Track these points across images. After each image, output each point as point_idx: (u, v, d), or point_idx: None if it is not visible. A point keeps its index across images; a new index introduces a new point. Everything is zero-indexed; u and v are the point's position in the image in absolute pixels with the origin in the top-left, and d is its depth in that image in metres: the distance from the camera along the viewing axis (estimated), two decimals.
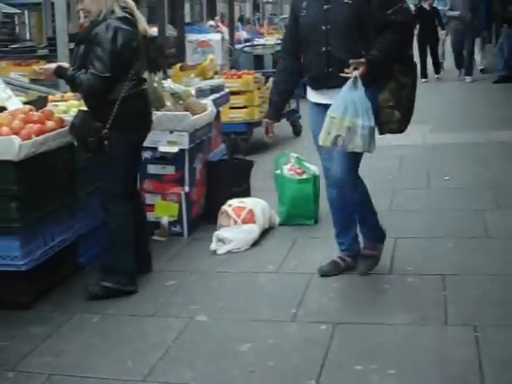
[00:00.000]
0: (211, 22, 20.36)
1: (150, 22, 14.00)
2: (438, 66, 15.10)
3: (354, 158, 4.17)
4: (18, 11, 18.72)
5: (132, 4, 4.29)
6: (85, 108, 4.31)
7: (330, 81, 4.03)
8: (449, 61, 15.78)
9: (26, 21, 20.12)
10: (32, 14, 20.03)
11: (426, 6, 14.85)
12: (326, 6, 4.04)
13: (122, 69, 4.14)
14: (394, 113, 4.11)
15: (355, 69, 3.90)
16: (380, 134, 4.23)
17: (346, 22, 3.99)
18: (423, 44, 14.57)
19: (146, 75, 5.09)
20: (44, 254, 4.22)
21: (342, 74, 3.90)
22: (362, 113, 3.88)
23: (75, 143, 4.25)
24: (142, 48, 4.30)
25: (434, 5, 15.67)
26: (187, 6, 27.11)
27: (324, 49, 4.05)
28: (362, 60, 3.90)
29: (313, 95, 4.31)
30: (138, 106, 4.30)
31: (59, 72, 4.28)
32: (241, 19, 24.58)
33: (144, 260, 4.57)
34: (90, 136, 4.11)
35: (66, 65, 4.41)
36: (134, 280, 4.33)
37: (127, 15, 4.20)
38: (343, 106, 3.88)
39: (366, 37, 3.98)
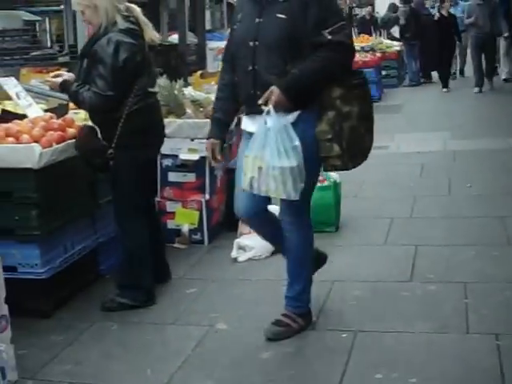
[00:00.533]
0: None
1: (171, 29, 14.11)
2: (446, 79, 14.22)
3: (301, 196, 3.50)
4: (39, 18, 18.86)
5: (137, 11, 4.13)
6: (91, 123, 4.23)
7: (258, 105, 3.41)
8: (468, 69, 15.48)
9: (47, 28, 20.26)
10: (53, 21, 20.19)
11: (443, 12, 14.32)
12: (257, 20, 3.50)
13: (126, 85, 3.99)
14: (332, 147, 3.44)
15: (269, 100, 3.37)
16: (324, 170, 3.70)
17: (276, 38, 3.41)
18: (441, 52, 14.05)
19: (159, 85, 5.11)
20: (64, 262, 4.24)
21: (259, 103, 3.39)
22: (276, 151, 3.31)
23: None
24: (148, 60, 4.17)
25: (452, 11, 15.11)
26: (208, 13, 27.20)
27: (251, 67, 3.49)
28: (273, 89, 3.36)
29: (244, 121, 3.72)
30: (145, 121, 4.11)
31: (64, 86, 4.13)
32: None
33: (162, 270, 4.55)
34: (95, 156, 4.03)
35: (71, 75, 4.24)
36: (151, 296, 4.29)
37: (131, 26, 4.04)
38: (256, 143, 3.38)
39: (300, 58, 3.39)
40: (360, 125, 3.47)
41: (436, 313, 3.90)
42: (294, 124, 3.40)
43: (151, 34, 4.17)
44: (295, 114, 3.44)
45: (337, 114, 3.42)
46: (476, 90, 13.40)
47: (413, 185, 6.76)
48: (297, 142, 3.34)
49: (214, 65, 9.85)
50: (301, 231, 3.74)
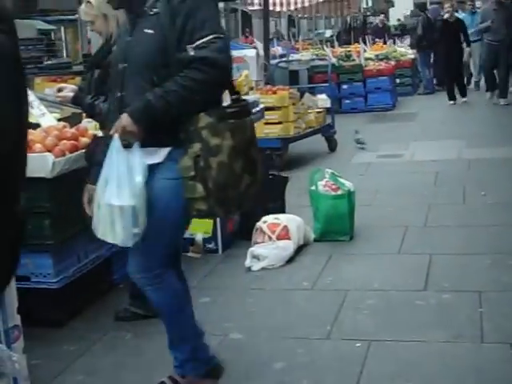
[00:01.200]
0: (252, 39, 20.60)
1: None
2: (464, 88, 13.43)
3: (150, 248, 3.05)
4: (54, 28, 19.03)
5: None
6: (100, 134, 4.10)
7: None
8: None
9: (63, 37, 20.43)
10: (68, 30, 20.37)
11: (447, 16, 13.25)
12: (128, 38, 3.06)
13: None
14: (195, 186, 2.87)
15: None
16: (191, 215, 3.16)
17: (143, 58, 2.95)
18: (448, 62, 13.12)
19: None
20: (78, 272, 4.24)
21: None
22: (115, 186, 2.89)
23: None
24: None
25: (462, 16, 14.59)
26: (222, 22, 27.32)
27: (119, 94, 3.05)
28: (123, 115, 2.91)
29: None
30: None
31: (76, 100, 4.05)
32: (277, 35, 24.74)
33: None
34: None
35: (73, 87, 4.12)
36: None
37: None
38: (101, 178, 2.98)
39: None
40: (233, 162, 2.87)
41: (450, 322, 3.86)
42: (163, 163, 2.96)
43: None
44: (165, 151, 2.95)
45: (203, 148, 2.85)
46: (503, 102, 12.37)
47: (427, 193, 6.72)
48: (138, 179, 2.88)
49: None
50: (160, 292, 3.12)
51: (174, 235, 3.13)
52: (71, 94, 4.08)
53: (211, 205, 2.89)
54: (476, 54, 14.09)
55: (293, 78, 12.08)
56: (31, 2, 16.23)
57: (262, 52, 11.33)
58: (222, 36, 2.85)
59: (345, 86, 13.14)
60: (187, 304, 3.23)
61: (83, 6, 4.02)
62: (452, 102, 13.10)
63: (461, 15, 15.26)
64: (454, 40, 13.02)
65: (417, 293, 4.31)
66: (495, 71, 12.78)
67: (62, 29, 20.30)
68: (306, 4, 19.53)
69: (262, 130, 8.04)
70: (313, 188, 5.56)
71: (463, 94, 13.27)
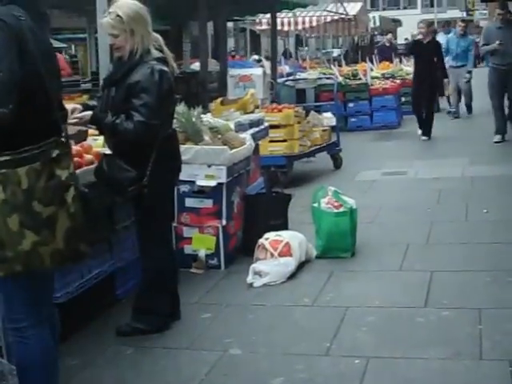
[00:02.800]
0: (255, 57, 20.67)
1: (195, 56, 14.28)
2: (427, 125, 11.31)
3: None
4: (65, 45, 19.22)
5: (161, 41, 4.14)
6: (108, 151, 4.18)
7: None
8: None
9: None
10: (79, 48, 20.59)
11: (420, 37, 11.41)
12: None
13: (167, 113, 4.09)
14: None
15: None
16: None
17: None
18: (417, 89, 11.37)
19: (178, 112, 5.16)
20: (80, 287, 4.28)
21: None
22: None
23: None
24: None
25: (447, 38, 13.61)
26: (232, 41, 27.54)
27: None
28: None
29: None
30: (174, 147, 4.25)
31: (95, 120, 4.00)
32: (285, 53, 24.86)
33: (173, 305, 4.43)
34: (127, 185, 3.95)
35: (78, 106, 4.06)
36: (167, 323, 4.29)
37: (162, 55, 4.05)
38: None
39: None
40: (6, 217, 2.58)
41: (450, 339, 3.88)
42: None
43: (173, 64, 4.17)
44: None
45: None
46: (497, 138, 10.41)
47: (430, 211, 6.76)
48: None
49: (235, 92, 9.97)
50: (20, 345, 2.88)
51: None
52: (88, 113, 3.99)
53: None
54: (455, 80, 13.03)
55: (300, 96, 12.19)
56: (44, 20, 16.42)
57: (268, 71, 11.42)
58: None
59: (351, 105, 13.22)
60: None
61: (109, 18, 3.96)
62: (425, 137, 11.30)
63: (442, 38, 14.15)
64: (427, 65, 11.16)
65: (417, 310, 4.33)
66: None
67: (73, 47, 20.53)
68: (314, 24, 19.72)
69: (268, 148, 8.14)
70: (315, 205, 5.60)
71: (425, 133, 11.32)
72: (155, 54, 4.00)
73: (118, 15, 3.92)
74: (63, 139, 2.69)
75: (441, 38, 14.04)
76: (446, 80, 11.92)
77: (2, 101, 2.51)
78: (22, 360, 2.91)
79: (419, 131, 11.46)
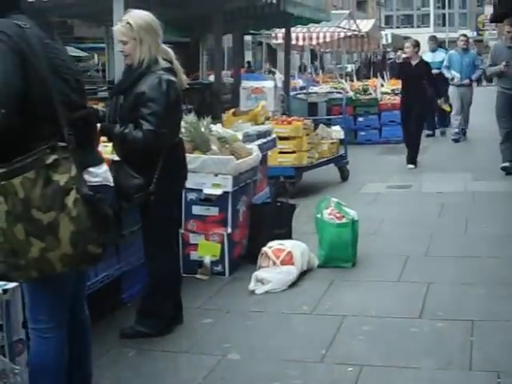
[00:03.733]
0: (268, 66, 20.92)
1: (212, 68, 14.44)
2: (413, 153, 10.22)
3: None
4: (87, 54, 19.41)
5: (172, 55, 4.21)
6: (116, 158, 4.23)
7: None
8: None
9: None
10: (101, 57, 20.77)
11: (407, 56, 10.61)
12: None
13: (175, 122, 4.19)
14: None
15: None
16: None
17: None
18: (404, 114, 10.37)
19: (187, 121, 5.28)
20: (87, 289, 4.38)
21: None
22: None
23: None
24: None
25: (449, 54, 12.93)
26: (249, 54, 27.75)
27: None
28: None
29: None
30: (180, 154, 4.35)
31: (105, 131, 4.06)
32: (300, 68, 25.08)
33: (176, 309, 4.53)
34: (134, 192, 4.00)
35: (101, 110, 4.19)
36: (169, 327, 4.39)
37: (170, 65, 4.14)
38: None
39: None
40: (13, 227, 2.64)
41: (441, 350, 3.99)
42: None
43: (183, 76, 4.24)
44: None
45: None
46: (506, 164, 9.29)
47: (431, 224, 6.88)
48: None
49: (247, 103, 10.13)
50: (38, 345, 2.99)
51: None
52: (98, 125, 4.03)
53: (3, 270, 2.71)
54: (457, 97, 12.46)
55: (312, 109, 12.33)
56: (67, 29, 16.66)
57: (279, 83, 11.57)
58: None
59: (361, 119, 13.44)
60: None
61: (120, 25, 4.08)
62: (411, 165, 10.19)
63: (440, 53, 13.60)
64: (416, 91, 9.99)
65: (412, 320, 4.44)
66: None
67: (96, 56, 20.73)
68: (328, 39, 19.88)
69: (277, 159, 8.28)
70: (318, 216, 5.72)
71: (410, 160, 10.22)
72: (163, 64, 4.09)
73: (129, 23, 4.05)
74: (63, 144, 2.70)
75: (438, 55, 13.51)
76: (439, 100, 10.96)
77: None
78: (37, 360, 2.99)
79: (409, 166, 10.19)
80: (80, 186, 2.69)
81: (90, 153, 3.01)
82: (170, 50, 4.24)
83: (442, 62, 12.88)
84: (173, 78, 4.08)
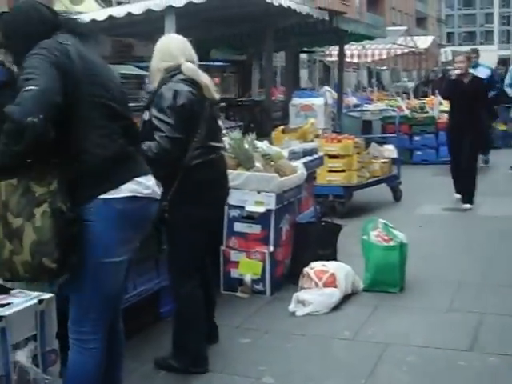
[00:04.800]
0: (327, 88, 20.79)
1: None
2: (469, 190, 8.64)
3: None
4: (146, 73, 19.65)
5: (194, 71, 3.99)
6: None
7: None
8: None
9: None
10: None
11: (458, 72, 8.58)
12: None
13: (190, 129, 3.89)
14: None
15: None
16: None
17: None
18: (456, 145, 8.71)
19: (231, 137, 5.14)
20: (125, 302, 4.27)
21: None
22: None
23: None
24: (209, 114, 4.02)
25: (481, 72, 10.76)
26: (306, 72, 27.73)
27: None
28: None
29: None
30: (203, 178, 3.93)
31: None
32: (357, 86, 24.92)
33: (210, 330, 4.32)
34: None
35: None
36: (202, 361, 4.04)
37: (185, 77, 3.93)
38: None
39: None
40: None
41: None
42: None
43: (211, 91, 4.02)
44: None
45: None
46: None
47: (486, 249, 6.57)
48: None
49: (296, 120, 10.02)
50: (78, 355, 3.05)
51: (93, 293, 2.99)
52: None
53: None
54: None
55: (366, 127, 12.15)
56: (127, 48, 16.92)
57: (330, 101, 11.42)
58: (30, 88, 2.68)
59: (417, 138, 13.06)
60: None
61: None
62: (468, 205, 8.59)
63: (484, 70, 11.81)
64: (469, 113, 8.45)
65: (461, 353, 4.19)
66: None
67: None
68: (384, 56, 19.63)
69: (326, 177, 8.14)
70: (365, 237, 5.52)
71: (466, 200, 8.63)
72: (178, 76, 3.94)
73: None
74: (57, 160, 2.81)
75: (482, 71, 11.36)
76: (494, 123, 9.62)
77: (31, 111, 2.62)
78: (76, 370, 3.05)
79: (456, 196, 8.92)
80: (54, 200, 2.77)
81: (138, 162, 3.06)
82: (194, 68, 4.01)
83: (487, 79, 11.06)
84: (185, 88, 3.89)
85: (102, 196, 2.86)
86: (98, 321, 3.01)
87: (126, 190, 2.91)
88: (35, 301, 3.13)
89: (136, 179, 2.96)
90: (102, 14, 8.29)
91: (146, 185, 3.00)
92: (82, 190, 2.86)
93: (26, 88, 2.67)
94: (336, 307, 4.99)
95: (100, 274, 2.93)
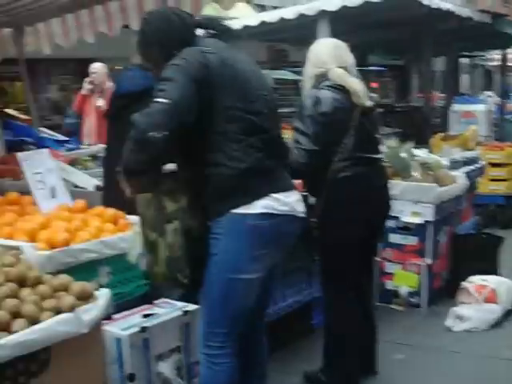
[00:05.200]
0: (489, 93, 19.96)
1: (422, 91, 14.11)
2: None
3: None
4: (300, 78, 19.79)
5: (344, 78, 3.69)
6: None
7: None
8: None
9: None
10: None
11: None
12: None
13: (330, 142, 3.59)
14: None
15: None
16: None
17: None
18: None
19: (387, 146, 5.04)
20: (275, 314, 4.26)
21: None
22: None
23: None
24: (359, 123, 3.66)
25: None
26: (467, 77, 26.77)
27: None
28: None
29: None
30: (354, 192, 3.61)
31: None
32: None
33: (365, 362, 4.01)
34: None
35: None
36: (353, 381, 3.83)
37: (339, 84, 3.66)
38: None
39: None
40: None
41: None
42: None
43: (361, 99, 3.68)
44: None
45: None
46: None
47: None
48: None
49: (457, 127, 9.69)
50: (208, 370, 2.90)
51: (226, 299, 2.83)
52: None
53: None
54: None
55: None
56: (283, 54, 17.22)
57: (493, 107, 10.95)
58: (161, 101, 2.57)
59: None
60: None
61: None
62: None
63: None
64: None
65: None
66: None
67: None
68: None
69: (487, 186, 7.87)
70: None
71: None
72: (324, 83, 3.72)
73: None
74: (187, 173, 2.82)
75: None
76: None
77: (157, 125, 2.52)
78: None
79: None
80: (184, 217, 2.84)
81: (278, 177, 2.83)
82: (340, 72, 3.72)
83: None
84: (327, 94, 3.64)
85: (233, 210, 2.69)
86: (226, 336, 2.85)
87: (260, 205, 2.70)
88: (180, 312, 3.17)
89: (273, 195, 2.73)
90: (254, 19, 8.39)
91: (285, 201, 2.76)
92: (214, 203, 2.73)
93: (158, 100, 2.56)
94: (496, 324, 4.77)
95: (228, 290, 2.77)
